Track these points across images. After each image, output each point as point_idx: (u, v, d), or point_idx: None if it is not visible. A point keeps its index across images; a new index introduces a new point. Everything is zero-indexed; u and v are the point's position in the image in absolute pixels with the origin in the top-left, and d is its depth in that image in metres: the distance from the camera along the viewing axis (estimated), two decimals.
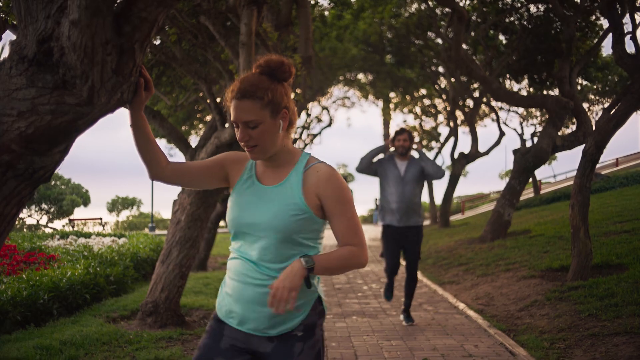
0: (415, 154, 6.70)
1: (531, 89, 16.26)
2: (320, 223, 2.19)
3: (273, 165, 2.20)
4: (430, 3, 15.17)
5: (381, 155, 6.63)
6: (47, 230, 26.85)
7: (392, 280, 6.72)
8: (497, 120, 21.52)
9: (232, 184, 2.29)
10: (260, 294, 2.12)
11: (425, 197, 28.41)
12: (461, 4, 13.39)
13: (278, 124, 2.12)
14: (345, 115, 55.62)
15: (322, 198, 2.13)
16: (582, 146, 7.75)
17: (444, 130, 32.42)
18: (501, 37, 15.00)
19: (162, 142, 21.14)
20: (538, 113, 23.17)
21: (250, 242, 2.18)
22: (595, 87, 19.77)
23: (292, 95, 2.38)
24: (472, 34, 14.27)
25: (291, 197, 2.13)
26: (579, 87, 18.59)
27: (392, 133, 7.42)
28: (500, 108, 22.53)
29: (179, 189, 6.93)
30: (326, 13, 15.91)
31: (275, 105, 2.10)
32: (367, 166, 6.50)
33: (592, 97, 21.44)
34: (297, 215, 2.11)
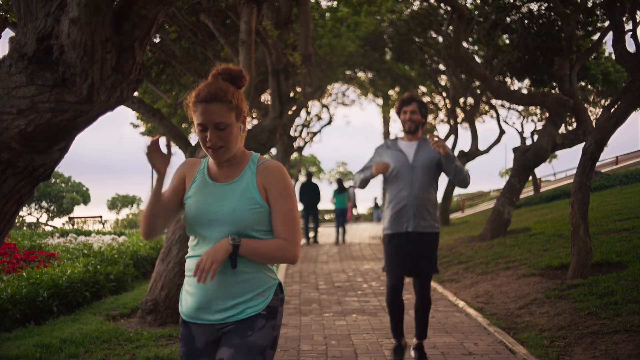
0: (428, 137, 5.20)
1: (532, 88, 16.26)
2: None
3: (227, 165, 2.32)
4: (431, 0, 15.16)
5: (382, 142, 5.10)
6: (47, 228, 26.85)
7: (399, 320, 4.91)
8: (497, 118, 21.51)
9: (186, 188, 2.37)
10: (221, 284, 2.24)
11: None
12: (462, 2, 13.37)
13: (239, 126, 2.27)
14: (344, 113, 55.74)
15: (267, 190, 2.26)
16: (582, 144, 7.75)
17: (444, 128, 32.42)
18: (503, 36, 14.99)
19: (162, 140, 21.11)
20: (538, 111, 23.17)
21: (207, 240, 2.27)
22: (595, 89, 19.77)
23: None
24: (474, 32, 14.26)
25: (247, 192, 2.26)
26: (580, 88, 18.59)
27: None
28: (503, 106, 22.52)
29: None
30: (324, 8, 15.91)
31: (239, 109, 2.25)
32: (365, 181, 5.01)
33: (592, 97, 21.43)
34: (255, 208, 2.24)
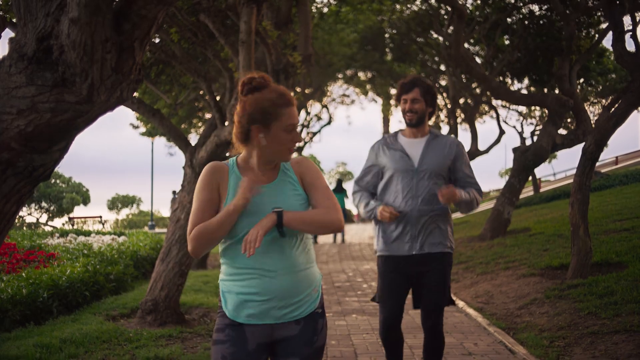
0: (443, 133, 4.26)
1: (531, 88, 16.27)
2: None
3: (265, 168, 2.40)
4: (432, 1, 15.17)
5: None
6: (47, 228, 26.86)
7: (397, 355, 4.04)
8: (497, 118, 21.51)
9: (221, 195, 2.37)
10: (288, 281, 2.31)
11: None
12: (462, 3, 13.37)
13: None
14: (345, 113, 55.84)
15: (303, 177, 2.39)
16: (582, 144, 7.75)
17: (444, 128, 32.44)
18: (503, 37, 15.00)
19: (162, 140, 21.14)
20: (537, 112, 23.18)
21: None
22: (593, 87, 19.78)
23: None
24: (474, 32, 14.26)
25: (294, 189, 2.37)
26: (579, 88, 18.60)
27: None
28: (503, 106, 22.52)
29: (178, 186, 6.93)
30: (325, 10, 15.90)
31: None
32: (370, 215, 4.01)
33: (592, 98, 21.45)
34: (303, 203, 2.36)
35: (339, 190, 19.37)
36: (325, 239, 19.57)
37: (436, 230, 3.82)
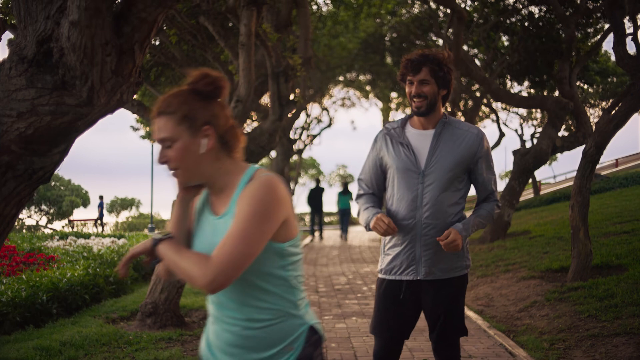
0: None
1: (532, 90, 16.29)
2: (282, 247, 1.85)
3: (217, 192, 1.91)
4: (431, 4, 15.19)
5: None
6: (47, 231, 26.85)
7: None
8: (497, 121, 21.53)
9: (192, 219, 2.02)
10: (234, 335, 1.90)
11: None
12: (462, 5, 13.39)
13: (199, 142, 1.82)
14: (347, 116, 55.64)
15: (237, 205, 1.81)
16: (582, 147, 7.75)
17: None
18: (502, 38, 15.02)
19: None
20: (539, 114, 23.18)
21: None
22: (593, 89, 19.79)
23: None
24: (474, 34, 14.28)
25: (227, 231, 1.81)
26: (580, 91, 18.62)
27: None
28: (504, 109, 22.54)
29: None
30: (324, 9, 15.92)
31: (192, 121, 1.82)
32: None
33: (592, 100, 21.47)
34: None
35: (345, 193, 20.34)
36: (325, 241, 19.55)
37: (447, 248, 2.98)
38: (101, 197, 31.66)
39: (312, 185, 21.39)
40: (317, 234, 20.48)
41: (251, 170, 1.88)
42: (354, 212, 24.66)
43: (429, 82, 3.03)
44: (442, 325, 3.08)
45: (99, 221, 30.49)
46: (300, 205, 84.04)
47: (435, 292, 3.05)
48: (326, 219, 23.16)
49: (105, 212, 21.00)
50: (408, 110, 24.44)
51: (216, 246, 1.75)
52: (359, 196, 3.29)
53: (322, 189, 20.32)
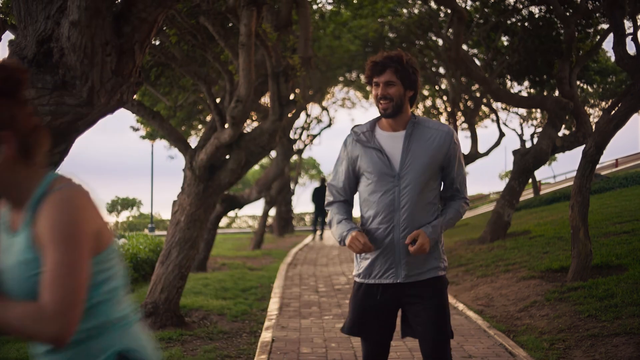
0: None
1: (532, 90, 16.29)
2: (93, 261, 1.57)
3: (14, 206, 1.62)
4: (432, 4, 15.19)
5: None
6: None
7: None
8: (497, 121, 21.52)
9: None
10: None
11: None
12: (463, 5, 13.39)
13: None
14: (348, 116, 55.50)
15: (40, 232, 1.51)
16: (582, 147, 7.75)
17: None
18: (502, 38, 15.01)
19: (162, 143, 21.15)
20: (539, 114, 23.18)
21: None
22: (593, 89, 19.79)
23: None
24: (474, 34, 14.28)
25: (23, 250, 1.54)
26: (579, 91, 18.62)
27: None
28: (504, 109, 22.53)
29: (178, 189, 6.93)
30: (326, 8, 15.92)
31: None
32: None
33: (592, 100, 21.47)
34: (36, 275, 1.51)
35: None
36: (325, 242, 19.55)
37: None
38: None
39: (317, 184, 22.07)
40: (318, 233, 20.87)
41: (48, 179, 1.58)
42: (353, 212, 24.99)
43: (395, 83, 2.99)
44: (431, 330, 2.99)
45: None
46: (302, 204, 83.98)
47: (415, 295, 3.01)
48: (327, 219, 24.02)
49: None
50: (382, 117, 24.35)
51: (6, 281, 1.51)
52: (330, 203, 3.21)
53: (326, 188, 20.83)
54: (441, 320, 3.01)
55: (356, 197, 3.22)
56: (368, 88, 3.12)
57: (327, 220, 3.22)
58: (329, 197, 3.23)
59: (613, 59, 16.36)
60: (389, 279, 3.01)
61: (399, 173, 2.98)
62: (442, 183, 3.12)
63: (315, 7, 14.01)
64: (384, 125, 3.09)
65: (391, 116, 3.02)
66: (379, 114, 3.10)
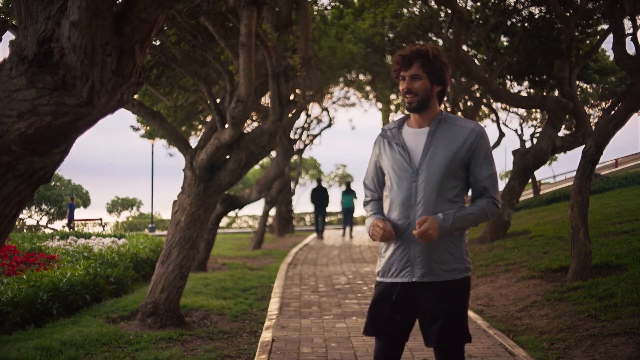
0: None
1: (532, 90, 16.29)
2: None
3: None
4: (432, 4, 15.20)
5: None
6: (47, 230, 26.85)
7: None
8: (497, 121, 21.53)
9: None
10: None
11: None
12: (463, 5, 13.39)
13: None
14: (347, 116, 55.36)
15: None
16: (582, 147, 7.76)
17: None
18: (502, 39, 15.02)
19: (162, 142, 21.18)
20: (538, 114, 23.19)
21: None
22: (593, 89, 19.78)
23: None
24: (473, 35, 14.29)
25: None
26: (579, 91, 18.61)
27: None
28: (504, 109, 22.54)
29: (178, 189, 6.94)
30: (326, 12, 15.92)
31: None
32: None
33: (592, 101, 21.47)
34: None
35: (349, 192, 21.38)
36: (326, 241, 19.56)
37: (443, 249, 2.91)
38: (72, 199, 31.43)
39: (314, 184, 22.18)
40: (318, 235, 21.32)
41: None
42: (356, 211, 25.15)
43: (421, 77, 2.96)
44: (441, 331, 2.89)
45: (69, 224, 29.41)
46: (302, 204, 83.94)
47: (432, 296, 2.91)
48: (326, 219, 24.23)
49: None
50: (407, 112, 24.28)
51: None
52: (365, 203, 3.23)
53: (325, 189, 21.24)
54: (458, 324, 2.93)
55: None
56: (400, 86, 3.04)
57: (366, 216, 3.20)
58: (365, 197, 3.25)
59: (612, 58, 16.37)
60: (404, 278, 2.94)
61: (417, 169, 2.94)
62: (470, 182, 3.02)
63: (316, 10, 14.00)
64: (412, 122, 3.08)
65: (416, 111, 3.00)
66: (406, 112, 3.09)
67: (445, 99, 3.26)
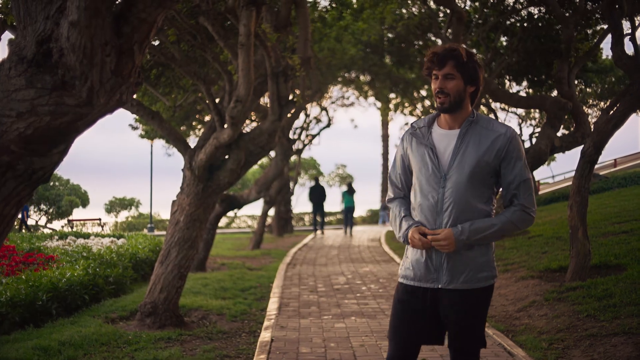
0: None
1: (530, 90, 16.30)
2: None
3: None
4: (431, 4, 15.21)
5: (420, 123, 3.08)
6: (46, 230, 26.84)
7: None
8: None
9: None
10: None
11: None
12: (462, 6, 13.40)
13: None
14: (347, 116, 55.29)
15: None
16: (581, 147, 7.76)
17: None
18: (501, 39, 15.03)
19: (161, 142, 21.18)
20: (537, 114, 23.20)
21: None
22: (591, 89, 19.79)
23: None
24: (473, 35, 14.30)
25: None
26: (578, 91, 18.61)
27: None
28: (503, 109, 22.54)
29: (177, 189, 6.94)
30: (326, 14, 15.91)
31: None
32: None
33: (591, 100, 21.49)
34: None
35: (351, 192, 22.13)
36: (325, 241, 19.57)
37: (472, 258, 2.87)
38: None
39: (312, 183, 22.88)
40: (318, 232, 21.92)
41: None
42: (356, 211, 25.33)
43: (454, 77, 2.85)
44: (462, 337, 2.90)
45: (23, 225, 28.79)
46: (301, 204, 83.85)
47: (456, 303, 2.86)
48: (326, 219, 24.89)
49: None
50: (407, 111, 24.39)
51: None
52: (390, 200, 3.12)
53: (322, 187, 22.14)
54: (477, 331, 2.91)
55: None
56: (432, 87, 2.93)
57: (389, 217, 3.09)
58: (389, 194, 3.14)
59: (606, 56, 16.34)
60: (429, 283, 2.89)
61: (445, 174, 2.85)
62: (502, 189, 2.95)
63: (316, 12, 14.00)
64: (442, 122, 2.96)
65: (448, 111, 2.90)
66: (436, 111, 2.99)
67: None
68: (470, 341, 2.92)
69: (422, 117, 3.13)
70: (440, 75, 2.86)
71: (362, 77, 22.68)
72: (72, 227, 30.90)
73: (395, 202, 3.08)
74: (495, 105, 21.03)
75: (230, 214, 33.33)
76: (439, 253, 2.86)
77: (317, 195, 21.55)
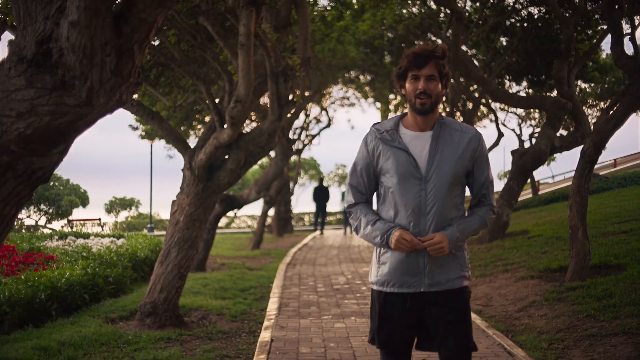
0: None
1: (530, 90, 16.31)
2: None
3: None
4: (431, 4, 15.21)
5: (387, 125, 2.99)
6: (46, 230, 26.84)
7: None
8: (496, 121, 21.53)
9: None
10: None
11: None
12: (462, 6, 13.40)
13: None
14: (347, 116, 55.32)
15: None
16: (581, 147, 7.76)
17: None
18: (501, 39, 15.03)
19: (161, 143, 21.20)
20: (537, 114, 23.21)
21: None
22: (591, 88, 19.80)
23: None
24: (472, 35, 14.30)
25: None
26: (578, 91, 18.62)
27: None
28: (503, 109, 22.55)
29: (177, 189, 6.94)
30: (326, 14, 15.91)
31: None
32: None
33: (590, 101, 21.50)
34: None
35: None
36: (325, 241, 19.57)
37: (451, 259, 2.88)
38: None
39: (316, 183, 23.39)
40: (318, 233, 22.08)
41: None
42: None
43: (436, 78, 2.80)
44: (450, 339, 2.85)
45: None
46: (301, 204, 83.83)
47: (437, 305, 2.85)
48: (326, 219, 25.15)
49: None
50: (406, 111, 24.23)
51: None
52: (353, 205, 3.02)
53: (326, 187, 22.44)
54: (464, 332, 2.88)
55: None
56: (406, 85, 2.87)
57: (352, 222, 3.04)
58: (350, 199, 3.04)
59: (604, 56, 16.33)
60: (411, 288, 2.85)
61: (425, 176, 2.81)
62: (470, 189, 2.98)
63: (316, 11, 14.00)
64: (410, 124, 2.90)
65: (427, 113, 2.84)
66: (399, 112, 2.97)
67: (444, 98, 3.19)
68: (459, 343, 2.86)
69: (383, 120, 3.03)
70: (422, 77, 2.79)
71: (362, 77, 22.68)
72: (71, 227, 30.91)
73: (359, 206, 3.01)
74: (495, 105, 21.03)
75: (230, 214, 33.33)
76: (420, 256, 2.82)
77: (322, 196, 21.85)
